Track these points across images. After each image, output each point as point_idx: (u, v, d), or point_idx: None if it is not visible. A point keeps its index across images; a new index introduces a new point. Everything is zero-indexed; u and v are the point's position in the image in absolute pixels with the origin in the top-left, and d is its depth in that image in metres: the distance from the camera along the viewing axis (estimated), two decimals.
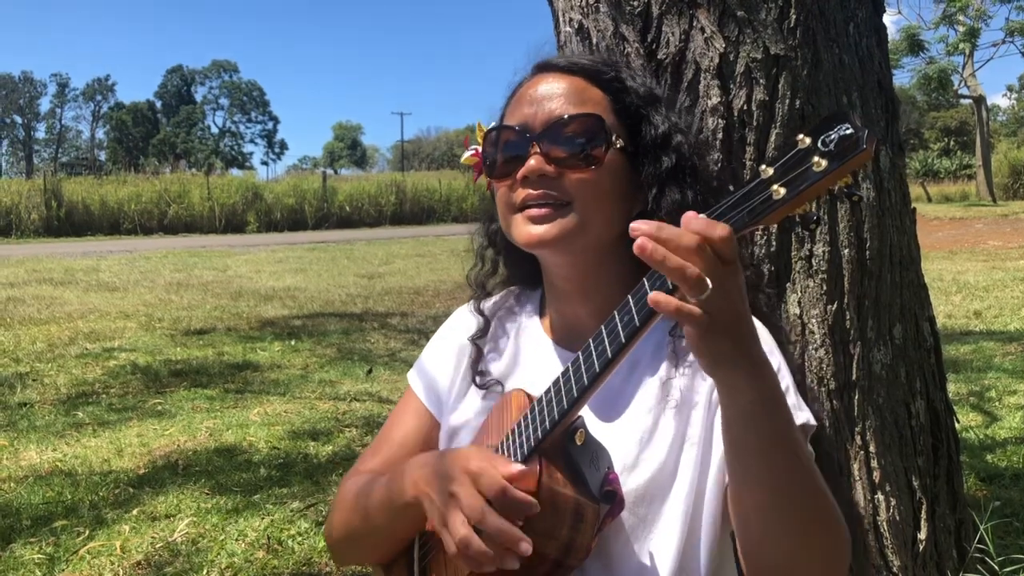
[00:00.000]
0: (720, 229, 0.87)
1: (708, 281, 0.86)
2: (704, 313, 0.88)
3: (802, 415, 1.18)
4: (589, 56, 1.41)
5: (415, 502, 1.15)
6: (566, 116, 1.23)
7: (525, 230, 1.22)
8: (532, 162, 1.21)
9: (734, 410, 0.98)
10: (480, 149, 1.36)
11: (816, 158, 0.83)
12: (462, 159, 1.45)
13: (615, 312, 1.00)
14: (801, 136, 0.85)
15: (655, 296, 0.88)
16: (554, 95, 1.25)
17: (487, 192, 1.41)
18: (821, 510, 1.03)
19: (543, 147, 1.21)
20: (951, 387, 5.07)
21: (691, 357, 1.23)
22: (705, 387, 1.22)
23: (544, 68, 1.32)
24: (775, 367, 1.02)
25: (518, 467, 1.04)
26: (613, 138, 1.24)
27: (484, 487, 1.04)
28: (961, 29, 32.36)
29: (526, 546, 1.01)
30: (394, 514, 1.22)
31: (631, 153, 1.26)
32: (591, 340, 1.03)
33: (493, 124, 1.35)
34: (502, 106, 1.36)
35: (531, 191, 1.21)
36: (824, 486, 1.04)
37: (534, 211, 1.21)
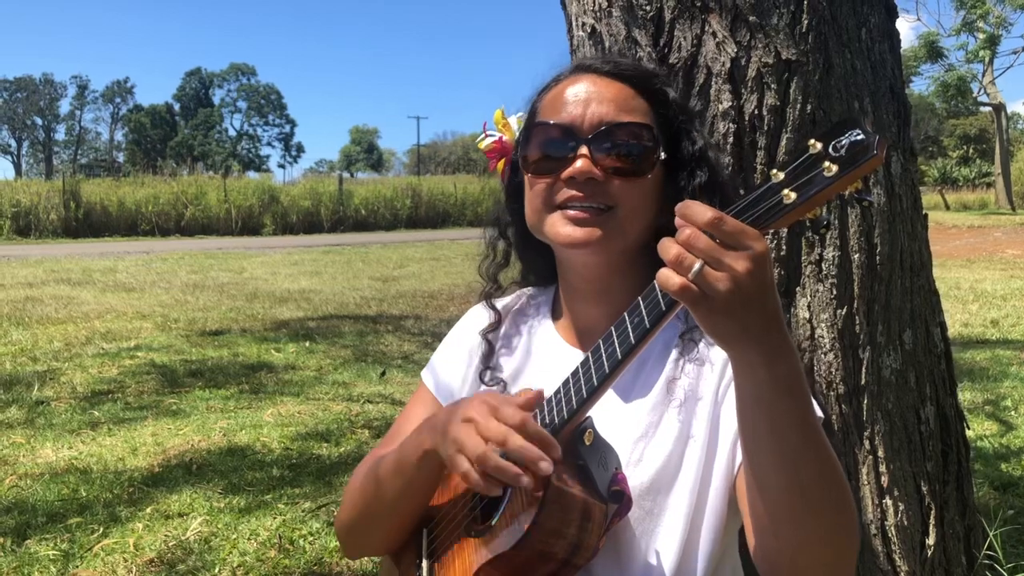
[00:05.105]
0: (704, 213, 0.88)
1: (696, 262, 0.87)
2: (700, 291, 0.88)
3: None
4: (631, 63, 1.40)
5: (429, 452, 1.16)
6: (619, 122, 1.24)
7: (564, 230, 1.23)
8: (580, 164, 1.21)
9: (748, 388, 0.98)
10: (502, 137, 1.36)
11: (827, 163, 0.84)
12: (482, 144, 1.43)
13: (625, 314, 1.00)
14: (812, 141, 0.86)
15: (661, 272, 0.90)
16: (603, 98, 1.26)
17: (503, 181, 1.42)
18: (836, 500, 1.01)
19: (593, 151, 1.22)
20: (967, 395, 5.06)
21: (696, 355, 1.25)
22: (710, 385, 1.23)
23: (587, 69, 1.31)
24: None
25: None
26: (660, 148, 1.25)
27: (505, 416, 1.05)
28: (981, 36, 32.19)
29: (547, 464, 1.01)
30: (404, 480, 1.23)
31: (667, 165, 1.27)
32: (601, 341, 1.04)
33: (521, 114, 1.35)
34: (531, 97, 1.36)
35: (576, 192, 1.22)
36: (842, 475, 1.02)
37: (574, 212, 1.22)
